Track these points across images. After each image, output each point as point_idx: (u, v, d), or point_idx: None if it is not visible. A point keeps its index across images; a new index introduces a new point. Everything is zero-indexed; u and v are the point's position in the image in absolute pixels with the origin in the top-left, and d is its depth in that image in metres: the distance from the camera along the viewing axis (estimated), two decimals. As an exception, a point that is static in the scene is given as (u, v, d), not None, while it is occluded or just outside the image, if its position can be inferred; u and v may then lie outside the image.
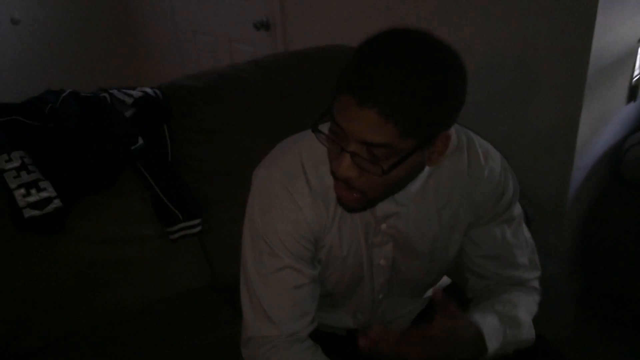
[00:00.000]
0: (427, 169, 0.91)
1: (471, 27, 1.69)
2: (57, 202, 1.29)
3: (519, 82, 1.65)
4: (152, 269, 1.45)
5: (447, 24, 1.75)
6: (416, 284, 1.10)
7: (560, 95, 1.56)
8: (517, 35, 1.60)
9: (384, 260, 1.01)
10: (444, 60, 0.76)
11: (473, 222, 1.00)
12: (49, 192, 1.29)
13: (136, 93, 1.50)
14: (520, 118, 1.67)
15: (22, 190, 1.26)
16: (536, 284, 1.07)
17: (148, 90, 1.52)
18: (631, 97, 1.76)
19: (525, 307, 0.99)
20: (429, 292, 1.20)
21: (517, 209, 1.04)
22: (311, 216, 0.91)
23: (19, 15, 3.13)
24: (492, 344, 0.89)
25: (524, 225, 1.06)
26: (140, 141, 1.42)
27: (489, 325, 0.90)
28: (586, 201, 1.79)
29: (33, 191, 1.27)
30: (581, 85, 1.51)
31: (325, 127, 0.83)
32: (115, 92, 1.49)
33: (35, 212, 1.26)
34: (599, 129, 1.67)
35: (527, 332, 0.96)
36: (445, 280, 1.25)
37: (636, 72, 1.74)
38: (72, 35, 3.37)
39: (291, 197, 0.90)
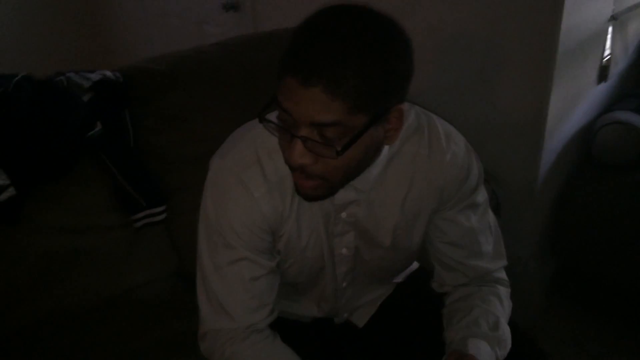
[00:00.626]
0: (385, 153, 0.88)
1: (438, 8, 1.66)
2: (10, 191, 1.24)
3: (488, 64, 1.62)
4: (116, 259, 1.40)
5: (413, 5, 1.71)
6: (382, 272, 1.08)
7: (530, 76, 1.55)
8: (485, 16, 1.57)
9: (346, 250, 0.98)
10: (386, 32, 0.74)
11: (436, 208, 0.97)
12: (1, 179, 1.23)
13: (95, 76, 1.43)
14: (490, 100, 1.65)
15: (-27, 179, 1.21)
16: (503, 274, 1.05)
17: (108, 73, 1.46)
18: (602, 77, 1.76)
19: (505, 316, 0.98)
20: (398, 278, 1.18)
21: (482, 195, 1.01)
22: (266, 206, 0.88)
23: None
24: None
25: (489, 212, 1.03)
26: (99, 126, 1.36)
27: (484, 356, 0.89)
28: (557, 183, 1.79)
29: (-16, 180, 1.22)
30: (551, 66, 1.49)
31: (273, 116, 0.79)
32: (72, 75, 1.43)
33: (-13, 202, 1.21)
34: (569, 110, 1.66)
35: (509, 343, 0.95)
36: (414, 265, 1.23)
37: (606, 52, 1.73)
38: (33, 14, 3.23)
39: (245, 187, 0.87)
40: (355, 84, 0.69)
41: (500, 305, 0.99)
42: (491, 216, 1.04)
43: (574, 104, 1.67)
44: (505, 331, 0.95)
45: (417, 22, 1.74)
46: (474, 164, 0.97)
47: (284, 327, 1.01)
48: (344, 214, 0.93)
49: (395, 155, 0.91)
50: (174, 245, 1.49)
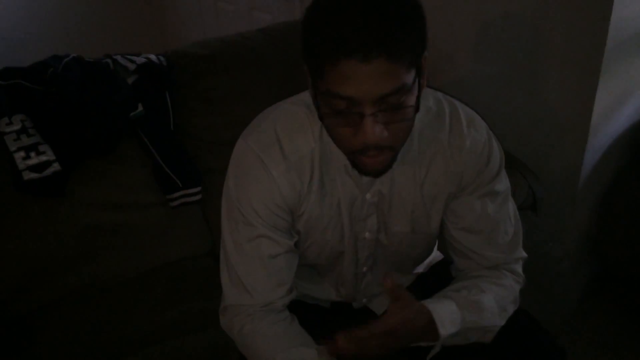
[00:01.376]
0: None
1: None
2: (56, 166, 1.31)
3: (533, 56, 1.57)
4: (152, 235, 1.46)
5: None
6: (401, 258, 1.08)
7: (576, 70, 1.49)
8: (532, 5, 1.52)
9: (369, 234, 0.99)
10: None
11: (454, 193, 0.97)
12: (48, 155, 1.31)
13: (139, 59, 1.49)
14: (534, 93, 1.61)
15: (22, 153, 1.29)
16: (517, 267, 1.02)
17: (152, 57, 1.52)
18: (656, 74, 1.67)
19: (495, 293, 0.96)
20: (419, 268, 1.18)
21: (504, 184, 0.99)
22: (284, 185, 0.90)
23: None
24: (447, 329, 0.87)
25: (510, 202, 1.01)
26: (140, 108, 1.42)
27: (443, 310, 0.88)
28: (601, 183, 1.72)
29: (32, 154, 1.30)
30: (598, 60, 1.43)
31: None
32: (118, 58, 1.49)
33: (34, 175, 1.29)
34: (617, 107, 1.59)
35: (490, 319, 0.93)
36: (437, 255, 1.22)
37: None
38: (98, 5, 3.38)
39: (264, 166, 0.89)
40: (407, 42, 0.71)
41: (496, 285, 0.97)
42: (512, 207, 1.01)
43: (622, 101, 1.59)
44: (486, 302, 0.93)
45: (462, 11, 1.71)
46: (494, 151, 0.96)
47: (303, 311, 1.03)
48: (368, 195, 0.94)
49: (415, 138, 0.91)
50: (208, 226, 1.54)
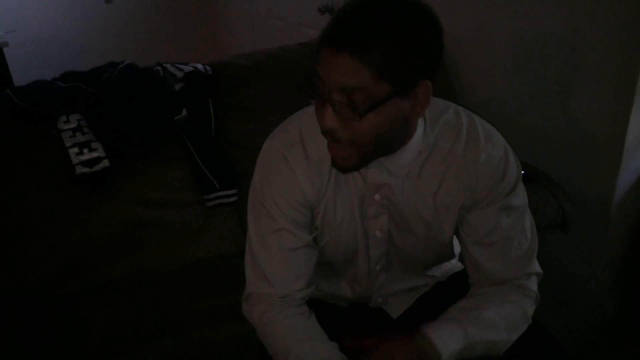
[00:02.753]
0: (417, 140, 0.93)
1: (520, 16, 1.65)
2: (105, 162, 1.43)
3: (568, 75, 1.58)
4: (189, 233, 1.55)
5: (496, 12, 1.71)
6: (415, 261, 1.11)
7: (611, 90, 1.49)
8: (567, 24, 1.54)
9: (379, 232, 1.03)
10: (417, 11, 0.80)
11: (468, 205, 0.99)
12: (99, 152, 1.43)
13: (187, 68, 1.60)
14: (568, 112, 1.61)
15: (76, 149, 1.41)
16: (528, 283, 1.02)
17: (199, 66, 1.63)
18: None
19: (499, 308, 0.97)
20: (435, 272, 1.20)
21: (521, 199, 1.00)
22: (305, 182, 0.96)
23: (112, -5, 3.38)
24: (448, 347, 0.91)
25: (527, 218, 1.02)
26: (184, 113, 1.52)
27: (442, 331, 0.92)
28: (637, 207, 1.70)
29: (85, 150, 1.41)
30: (633, 81, 1.43)
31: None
32: (168, 66, 1.61)
33: (86, 170, 1.40)
34: (654, 129, 1.57)
35: (496, 334, 0.95)
36: (457, 265, 1.25)
37: None
38: (159, 15, 3.59)
39: (287, 164, 0.96)
40: (381, 52, 0.77)
41: (500, 301, 0.98)
42: (529, 222, 1.02)
43: (659, 124, 1.58)
44: (487, 316, 0.95)
45: (498, 29, 1.74)
46: (511, 166, 0.98)
47: (322, 310, 1.08)
48: (377, 196, 0.98)
49: (430, 148, 0.95)
50: (242, 227, 1.62)
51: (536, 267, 1.03)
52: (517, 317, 0.99)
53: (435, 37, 0.82)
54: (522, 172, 1.02)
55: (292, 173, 0.96)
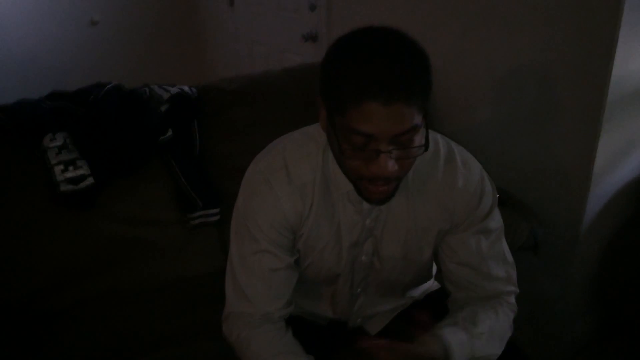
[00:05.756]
0: None
1: (498, 48, 1.73)
2: (90, 180, 1.45)
3: (539, 104, 1.66)
4: (171, 251, 1.57)
5: (475, 46, 1.79)
6: (393, 283, 1.15)
7: (579, 119, 1.57)
8: (540, 57, 1.62)
9: (365, 257, 1.07)
10: (413, 41, 0.85)
11: (447, 229, 1.04)
12: (84, 170, 1.45)
13: (173, 89, 1.65)
14: (539, 140, 1.68)
15: (61, 167, 1.43)
16: (512, 299, 1.08)
17: (185, 88, 1.67)
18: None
19: (493, 322, 1.01)
20: (413, 293, 1.24)
21: (496, 222, 1.06)
22: (288, 206, 0.99)
23: (98, 17, 3.42)
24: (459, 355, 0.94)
25: (503, 240, 1.08)
26: (170, 133, 1.56)
27: (456, 342, 0.95)
28: (606, 231, 1.76)
29: (70, 168, 1.44)
30: (599, 111, 1.50)
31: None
32: (155, 87, 1.65)
33: (70, 187, 1.42)
34: (620, 158, 1.64)
35: (492, 348, 1.00)
36: (434, 284, 1.29)
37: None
38: (145, 37, 3.64)
39: (271, 188, 0.99)
40: (420, 88, 0.82)
41: (494, 314, 1.02)
42: (505, 244, 1.08)
43: (626, 153, 1.65)
44: (487, 331, 0.99)
45: (475, 63, 1.82)
46: (487, 191, 1.03)
47: (301, 327, 1.10)
48: (368, 221, 1.02)
49: (412, 173, 0.99)
50: (223, 246, 1.64)
51: (516, 285, 1.09)
52: (506, 329, 1.04)
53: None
54: (497, 196, 1.08)
55: (276, 197, 0.98)
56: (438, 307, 1.15)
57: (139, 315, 1.42)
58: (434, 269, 1.24)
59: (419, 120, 0.83)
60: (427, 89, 0.84)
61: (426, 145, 0.86)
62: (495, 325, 1.02)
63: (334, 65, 0.84)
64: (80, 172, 1.44)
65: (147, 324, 1.39)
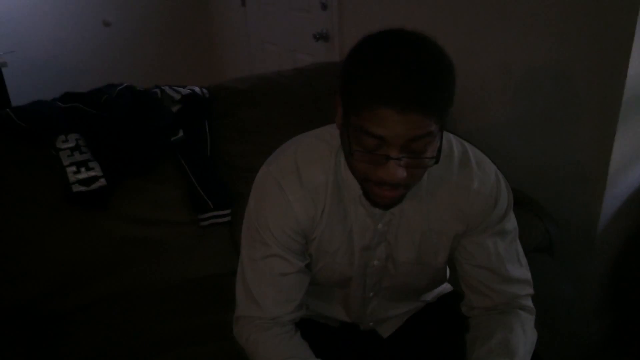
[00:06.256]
0: None
1: (509, 48, 1.71)
2: (102, 181, 1.45)
3: (554, 103, 1.64)
4: (182, 252, 1.57)
5: (487, 45, 1.77)
6: (408, 288, 1.13)
7: (595, 118, 1.54)
8: (554, 55, 1.60)
9: (377, 261, 1.05)
10: (440, 51, 0.83)
11: (463, 232, 1.02)
12: (96, 171, 1.45)
13: (184, 90, 1.65)
14: (554, 139, 1.66)
15: (73, 168, 1.44)
16: (529, 301, 1.07)
17: (196, 88, 1.67)
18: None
19: (526, 342, 1.00)
20: (427, 297, 1.23)
21: (512, 224, 1.04)
22: (300, 210, 0.97)
23: (111, 19, 3.44)
24: None
25: (518, 241, 1.06)
26: (181, 133, 1.56)
27: None
28: (622, 231, 1.73)
29: (82, 169, 1.44)
30: (615, 110, 1.48)
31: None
32: (166, 88, 1.65)
33: (83, 188, 1.43)
34: (637, 158, 1.62)
35: None
36: (447, 287, 1.27)
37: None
38: (157, 38, 3.66)
39: (282, 192, 0.97)
40: (439, 99, 0.80)
41: (522, 332, 1.01)
42: (519, 245, 1.06)
43: (642, 153, 1.63)
44: (522, 356, 0.97)
45: (490, 62, 1.80)
46: (502, 193, 1.01)
47: (312, 329, 1.10)
48: (380, 225, 1.00)
49: (426, 176, 0.96)
50: (234, 247, 1.64)
51: (532, 288, 1.07)
52: (534, 342, 1.03)
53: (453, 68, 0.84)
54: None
55: (287, 201, 0.97)
56: (451, 310, 1.14)
57: (149, 316, 1.42)
58: (447, 272, 1.23)
59: (435, 129, 0.82)
60: (447, 101, 0.82)
61: (437, 157, 0.84)
62: (524, 339, 1.00)
63: (354, 65, 0.83)
64: (92, 173, 1.44)
65: (158, 324, 1.39)
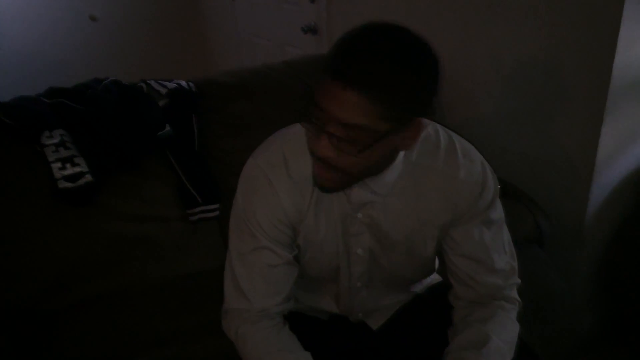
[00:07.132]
0: (400, 160, 0.95)
1: (501, 41, 1.71)
2: (88, 177, 1.44)
3: (543, 96, 1.64)
4: (172, 248, 1.56)
5: (479, 37, 1.77)
6: (398, 279, 1.14)
7: (582, 109, 1.55)
8: (544, 49, 1.60)
9: (361, 250, 1.05)
10: (419, 51, 0.82)
11: (450, 221, 1.02)
12: (82, 167, 1.44)
13: (171, 85, 1.63)
14: (542, 131, 1.67)
15: (59, 164, 1.42)
16: (513, 292, 1.07)
17: (182, 82, 1.66)
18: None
19: (504, 334, 1.00)
20: (416, 287, 1.23)
21: (498, 213, 1.04)
22: (288, 202, 0.98)
23: (97, 13, 3.40)
24: None
25: (505, 229, 1.06)
26: (168, 128, 1.54)
27: None
28: (611, 221, 1.74)
29: (68, 165, 1.42)
30: (602, 102, 1.48)
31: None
32: (152, 82, 1.63)
33: (68, 184, 1.41)
34: (623, 147, 1.63)
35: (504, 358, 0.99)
36: (436, 277, 1.27)
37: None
38: (145, 32, 3.62)
39: (270, 184, 0.97)
40: (387, 95, 0.78)
41: (500, 325, 1.01)
42: (506, 234, 1.07)
43: (629, 142, 1.63)
44: (497, 348, 0.97)
45: (479, 54, 1.80)
46: (489, 181, 1.01)
47: (302, 321, 1.10)
48: (360, 215, 1.00)
49: (412, 166, 0.98)
50: (224, 241, 1.63)
51: (517, 277, 1.08)
52: (515, 334, 1.03)
53: (435, 75, 0.83)
54: (499, 187, 1.06)
55: (275, 193, 0.97)
56: (440, 301, 1.15)
57: (143, 313, 1.40)
58: (437, 262, 1.23)
59: (379, 126, 0.80)
60: (408, 103, 0.80)
61: (360, 150, 0.82)
62: (503, 336, 1.00)
63: (336, 42, 0.83)
64: (77, 169, 1.43)
65: (152, 321, 1.37)
